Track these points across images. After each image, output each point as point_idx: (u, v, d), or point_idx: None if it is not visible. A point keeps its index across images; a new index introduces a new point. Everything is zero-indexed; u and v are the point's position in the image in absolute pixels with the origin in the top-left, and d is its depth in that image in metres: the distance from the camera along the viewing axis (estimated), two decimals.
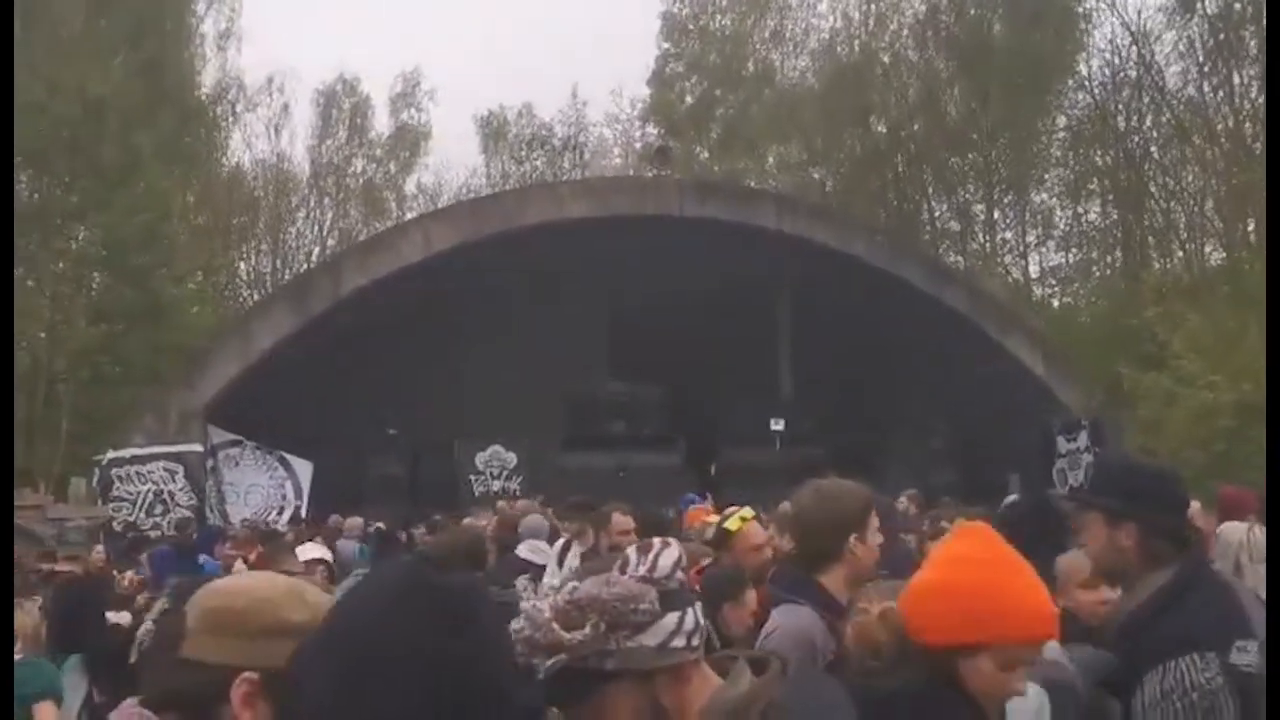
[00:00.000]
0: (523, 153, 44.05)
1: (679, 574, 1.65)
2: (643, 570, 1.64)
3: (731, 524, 4.71)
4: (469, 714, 1.12)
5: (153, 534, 13.61)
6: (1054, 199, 34.88)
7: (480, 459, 21.26)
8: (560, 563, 7.12)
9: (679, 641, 1.58)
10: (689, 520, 7.54)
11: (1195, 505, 6.27)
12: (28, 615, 5.93)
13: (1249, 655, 2.50)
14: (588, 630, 1.55)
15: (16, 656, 5.11)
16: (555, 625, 1.57)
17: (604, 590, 1.60)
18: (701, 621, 1.63)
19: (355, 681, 1.13)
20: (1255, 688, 2.46)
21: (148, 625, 6.56)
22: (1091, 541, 2.90)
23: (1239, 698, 2.46)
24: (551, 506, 9.99)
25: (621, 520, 6.64)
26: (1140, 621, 2.66)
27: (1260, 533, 4.12)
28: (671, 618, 1.59)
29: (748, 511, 4.82)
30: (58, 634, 6.06)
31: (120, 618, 6.90)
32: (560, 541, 7.39)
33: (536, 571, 7.28)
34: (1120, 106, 30.65)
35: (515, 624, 1.61)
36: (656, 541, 1.71)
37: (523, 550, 7.46)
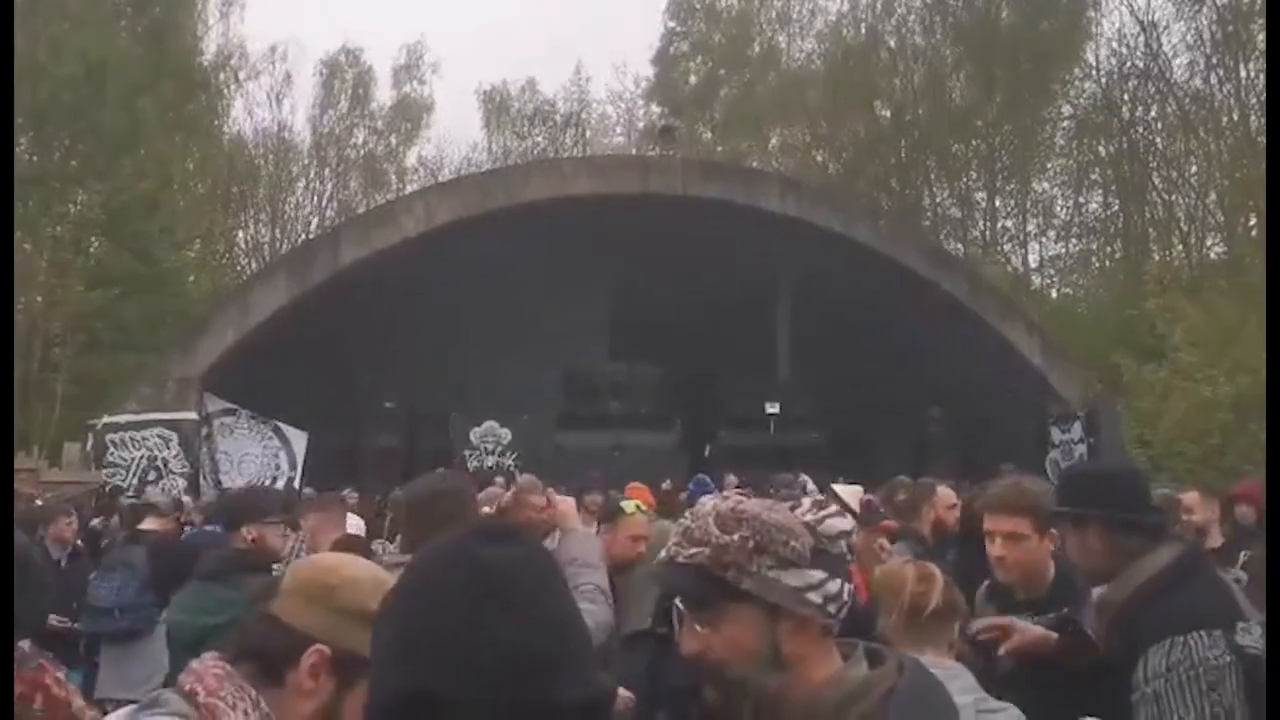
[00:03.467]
0: (525, 128, 43.94)
1: (843, 544, 1.66)
2: (808, 518, 1.65)
3: (627, 505, 4.81)
4: (517, 700, 1.09)
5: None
6: (1056, 188, 34.90)
7: (475, 434, 21.24)
8: None
9: (815, 597, 1.59)
10: (628, 494, 7.48)
11: (1194, 495, 6.32)
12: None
13: (1252, 636, 2.55)
14: (736, 539, 1.58)
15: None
16: (711, 522, 1.61)
17: (764, 512, 1.62)
18: (847, 599, 1.63)
19: (401, 662, 1.12)
20: (1258, 668, 2.50)
21: None
22: (1071, 547, 3.00)
23: (1243, 677, 2.51)
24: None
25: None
26: (1141, 601, 2.71)
27: None
28: (818, 574, 1.60)
29: (640, 506, 4.86)
30: (159, 592, 6.57)
31: None
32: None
33: None
34: (1126, 97, 30.57)
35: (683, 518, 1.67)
36: (834, 506, 1.72)
37: None
